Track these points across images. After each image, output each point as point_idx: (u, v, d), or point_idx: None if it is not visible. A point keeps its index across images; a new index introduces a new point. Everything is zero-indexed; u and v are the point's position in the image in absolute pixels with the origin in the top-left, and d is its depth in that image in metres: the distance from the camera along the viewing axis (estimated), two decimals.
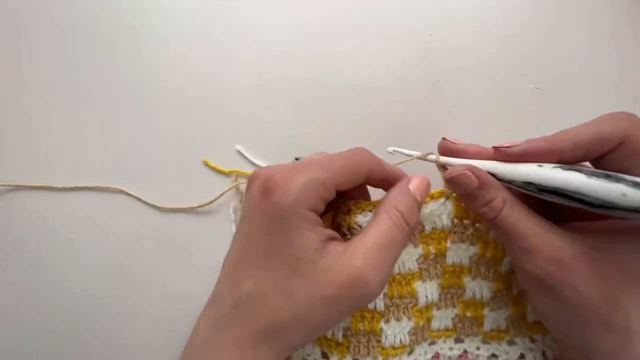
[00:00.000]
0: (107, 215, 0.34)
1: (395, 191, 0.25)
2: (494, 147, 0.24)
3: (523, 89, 0.35)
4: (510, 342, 0.29)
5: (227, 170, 0.34)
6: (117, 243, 0.33)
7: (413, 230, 0.25)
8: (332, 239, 0.23)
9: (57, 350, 0.32)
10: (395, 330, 0.27)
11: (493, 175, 0.23)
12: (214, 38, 0.35)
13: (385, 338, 0.27)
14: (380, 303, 0.27)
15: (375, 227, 0.23)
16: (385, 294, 0.27)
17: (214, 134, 0.34)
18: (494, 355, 0.29)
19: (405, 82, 0.35)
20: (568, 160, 0.22)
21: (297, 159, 0.30)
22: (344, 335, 0.27)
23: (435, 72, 0.35)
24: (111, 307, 0.33)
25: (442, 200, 0.27)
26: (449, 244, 0.27)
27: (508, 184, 0.23)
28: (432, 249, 0.27)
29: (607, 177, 0.20)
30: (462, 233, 0.27)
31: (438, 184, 0.27)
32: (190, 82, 0.35)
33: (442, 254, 0.28)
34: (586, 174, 0.21)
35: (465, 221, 0.27)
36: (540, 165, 0.22)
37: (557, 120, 0.35)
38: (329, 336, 0.27)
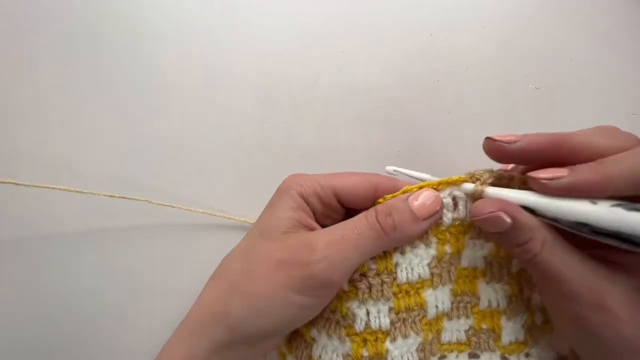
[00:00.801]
0: (107, 215, 0.33)
1: (392, 199, 0.24)
2: (529, 177, 0.20)
3: (523, 89, 0.35)
4: (527, 354, 0.26)
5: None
6: (117, 243, 0.33)
7: (395, 238, 0.23)
8: (313, 228, 0.24)
9: (56, 349, 0.32)
10: (403, 350, 0.24)
11: (533, 211, 0.20)
12: (214, 38, 0.35)
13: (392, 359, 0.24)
14: (385, 320, 0.24)
15: (350, 219, 0.23)
16: (391, 309, 0.24)
17: (213, 134, 0.34)
18: None
19: (405, 82, 0.35)
20: (619, 198, 0.19)
21: None
22: None
23: (435, 72, 0.35)
24: (111, 307, 0.33)
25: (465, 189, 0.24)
26: (467, 240, 0.24)
27: (552, 221, 0.20)
28: (447, 249, 0.24)
29: None
30: (479, 228, 0.24)
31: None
32: (190, 82, 0.35)
33: (457, 254, 0.25)
34: None
35: None
36: (594, 203, 0.19)
37: (557, 120, 0.35)
38: None
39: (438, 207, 0.23)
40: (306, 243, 0.22)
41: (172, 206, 0.33)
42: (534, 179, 0.20)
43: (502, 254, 0.25)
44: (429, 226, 0.23)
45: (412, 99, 0.35)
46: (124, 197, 0.33)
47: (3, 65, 0.35)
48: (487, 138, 0.22)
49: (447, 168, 0.33)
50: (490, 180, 0.23)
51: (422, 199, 0.23)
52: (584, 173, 0.19)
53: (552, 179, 0.19)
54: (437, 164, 0.34)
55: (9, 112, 0.34)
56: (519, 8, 0.36)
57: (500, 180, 0.23)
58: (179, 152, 0.34)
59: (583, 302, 0.20)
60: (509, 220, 0.20)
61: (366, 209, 0.24)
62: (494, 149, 0.21)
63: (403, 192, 0.24)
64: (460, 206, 0.24)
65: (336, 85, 0.35)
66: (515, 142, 0.21)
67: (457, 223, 0.24)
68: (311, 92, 0.35)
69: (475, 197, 0.23)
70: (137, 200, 0.33)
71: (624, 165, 0.19)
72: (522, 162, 0.23)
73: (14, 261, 0.33)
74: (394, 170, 0.26)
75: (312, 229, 0.24)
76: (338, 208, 0.26)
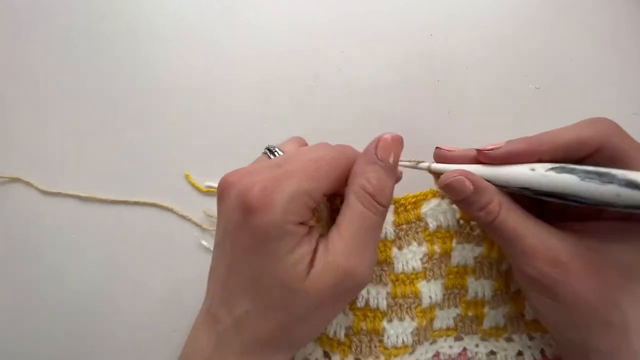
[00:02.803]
0: (107, 215, 0.34)
1: (362, 163, 0.23)
2: (477, 150, 0.24)
3: (523, 89, 0.35)
4: (508, 339, 0.29)
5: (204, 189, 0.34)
6: (117, 243, 0.33)
7: (389, 205, 0.23)
8: (319, 240, 0.22)
9: (56, 349, 0.32)
10: (398, 331, 0.26)
11: (488, 180, 0.23)
12: (214, 38, 0.35)
13: (388, 338, 0.26)
14: (383, 302, 0.26)
15: (347, 215, 0.22)
16: (388, 293, 0.27)
17: (213, 134, 0.34)
18: (492, 353, 0.29)
19: (405, 82, 0.35)
20: (548, 161, 0.22)
21: (269, 150, 0.26)
22: (346, 335, 0.27)
23: (435, 72, 0.35)
24: (111, 307, 0.33)
25: (440, 199, 0.27)
26: (454, 244, 0.27)
27: (504, 188, 0.23)
28: (437, 249, 0.27)
29: (599, 176, 0.20)
30: (469, 234, 0.27)
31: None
32: (190, 82, 0.35)
33: (447, 254, 0.27)
34: (579, 176, 0.21)
35: (472, 223, 0.27)
36: (532, 169, 0.22)
37: (557, 120, 0.35)
38: (330, 335, 0.27)
39: (401, 147, 0.25)
40: (343, 272, 0.21)
41: (169, 206, 0.33)
42: (480, 150, 0.23)
43: (493, 255, 0.28)
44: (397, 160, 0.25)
45: (412, 99, 0.35)
46: (126, 201, 0.33)
47: (3, 65, 0.35)
48: (476, 150, 0.24)
49: None
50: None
51: (390, 150, 0.24)
52: (516, 143, 0.23)
53: (492, 149, 0.23)
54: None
55: (10, 110, 0.34)
56: (519, 8, 0.36)
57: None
58: (178, 151, 0.34)
59: (539, 257, 0.22)
60: (470, 185, 0.23)
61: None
62: (481, 158, 0.24)
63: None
64: (441, 217, 0.27)
65: (336, 85, 0.35)
66: (497, 148, 0.24)
67: (442, 230, 0.27)
68: (311, 92, 0.35)
69: (430, 172, 0.26)
70: (142, 203, 0.33)
71: (548, 137, 0.22)
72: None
73: (14, 260, 0.33)
74: None
75: (318, 238, 0.22)
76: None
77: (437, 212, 0.27)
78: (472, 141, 0.34)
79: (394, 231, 0.27)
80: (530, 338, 0.29)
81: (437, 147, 0.26)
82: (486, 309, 0.28)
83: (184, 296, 0.32)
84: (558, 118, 0.34)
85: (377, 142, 0.24)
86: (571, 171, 0.21)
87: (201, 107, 0.35)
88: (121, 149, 0.34)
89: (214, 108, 0.35)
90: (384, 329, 0.26)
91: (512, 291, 0.28)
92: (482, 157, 0.24)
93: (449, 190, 0.24)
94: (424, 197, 0.27)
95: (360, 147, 0.35)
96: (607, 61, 0.35)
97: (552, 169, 0.22)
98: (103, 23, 0.35)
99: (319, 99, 0.35)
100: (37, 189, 0.34)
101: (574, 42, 0.35)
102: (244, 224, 0.21)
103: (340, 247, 0.21)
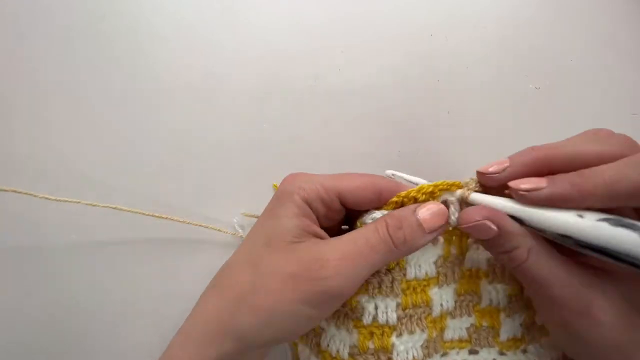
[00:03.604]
0: (107, 215, 0.33)
1: (398, 210, 0.23)
2: (512, 189, 0.21)
3: (523, 89, 0.35)
4: (524, 351, 0.27)
5: None
6: (117, 242, 0.33)
7: (403, 252, 0.23)
8: (315, 234, 0.24)
9: (56, 349, 0.32)
10: (408, 345, 0.24)
11: (520, 220, 0.21)
12: (214, 38, 0.35)
13: (397, 355, 0.24)
14: (392, 315, 0.24)
15: (359, 229, 0.23)
16: (398, 305, 0.24)
17: (213, 134, 0.34)
18: None
19: (405, 82, 0.35)
20: (598, 209, 0.19)
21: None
22: (350, 355, 0.24)
23: (435, 72, 0.35)
24: (110, 307, 0.33)
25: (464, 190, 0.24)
26: (470, 243, 0.26)
27: (539, 232, 0.20)
28: (453, 250, 0.25)
29: None
30: None
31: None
32: (189, 82, 0.35)
33: (462, 255, 0.26)
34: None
35: None
36: (580, 216, 0.19)
37: (557, 120, 0.35)
38: (333, 354, 0.25)
39: (444, 221, 0.23)
40: (317, 257, 0.22)
41: (169, 218, 0.33)
42: (514, 189, 0.20)
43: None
44: (434, 238, 0.24)
45: (412, 99, 0.35)
46: (124, 209, 0.33)
47: (3, 65, 0.35)
48: (478, 172, 0.23)
49: (447, 168, 0.34)
50: (476, 187, 0.24)
51: (430, 213, 0.23)
52: (561, 186, 0.19)
53: (530, 190, 0.20)
54: (437, 164, 0.34)
55: (9, 112, 0.34)
56: (519, 8, 0.36)
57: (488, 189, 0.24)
58: (178, 152, 0.34)
59: (569, 308, 0.20)
60: (495, 228, 0.21)
61: (367, 210, 0.25)
62: (486, 181, 0.23)
63: (407, 195, 0.24)
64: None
65: (336, 85, 0.35)
66: (502, 170, 0.22)
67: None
68: (311, 92, 0.35)
69: (462, 202, 0.23)
70: (140, 213, 0.33)
71: (599, 179, 0.19)
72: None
73: (15, 265, 0.33)
74: (392, 174, 0.26)
75: (317, 236, 0.24)
76: (340, 209, 0.25)
77: (459, 205, 0.24)
78: (472, 141, 0.34)
79: None
80: (541, 346, 0.27)
81: (478, 172, 0.23)
82: (502, 317, 0.26)
83: (184, 296, 0.32)
84: (558, 118, 0.34)
85: (424, 205, 0.23)
86: (632, 227, 0.18)
87: (201, 107, 0.35)
88: (121, 149, 0.34)
89: (214, 108, 0.35)
90: (393, 345, 0.24)
91: (525, 297, 0.26)
92: (517, 198, 0.21)
93: (470, 231, 0.22)
94: (445, 188, 0.24)
95: (360, 148, 0.35)
96: (607, 61, 0.35)
97: (605, 219, 0.18)
98: (103, 23, 0.35)
99: (319, 99, 0.35)
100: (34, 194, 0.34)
101: (574, 42, 0.35)
102: (273, 195, 0.25)
103: (333, 242, 0.23)
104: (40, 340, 0.32)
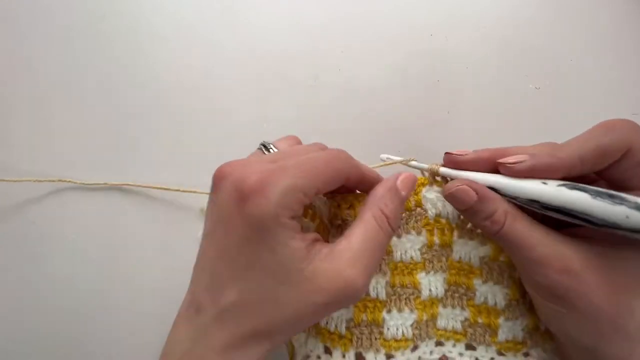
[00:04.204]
0: (107, 214, 0.34)
1: (383, 189, 0.24)
2: (499, 163, 0.23)
3: (523, 89, 0.35)
4: (526, 354, 0.27)
5: None
6: (117, 242, 0.33)
7: (397, 230, 0.25)
8: (315, 241, 0.22)
9: (56, 349, 0.32)
10: (397, 322, 0.26)
11: (495, 190, 0.23)
12: (214, 38, 0.35)
13: (387, 329, 0.26)
14: (382, 291, 0.26)
15: (360, 229, 0.23)
16: (387, 282, 0.27)
17: (213, 134, 0.34)
18: None
19: (405, 82, 0.35)
20: (574, 176, 0.22)
21: (264, 146, 0.27)
22: (347, 328, 0.27)
23: (435, 72, 0.35)
24: (110, 306, 0.33)
25: (440, 190, 0.26)
26: (455, 238, 0.27)
27: (511, 199, 0.23)
28: (436, 240, 0.27)
29: (611, 197, 0.21)
30: (471, 231, 0.27)
31: None
32: (189, 82, 0.35)
33: (447, 246, 0.27)
34: (591, 194, 0.21)
35: None
36: (544, 183, 0.22)
37: (557, 120, 0.35)
38: (331, 330, 0.27)
39: (414, 182, 0.25)
40: (344, 282, 0.21)
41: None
42: (502, 163, 0.23)
43: (503, 259, 0.27)
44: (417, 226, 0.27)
45: (412, 99, 0.35)
46: (126, 185, 0.33)
47: (3, 65, 0.35)
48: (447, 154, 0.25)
49: None
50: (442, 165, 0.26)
51: (408, 185, 0.25)
52: (541, 158, 0.22)
53: (515, 162, 0.23)
54: None
55: (9, 112, 0.34)
56: (519, 8, 0.36)
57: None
58: (178, 152, 0.34)
59: (550, 266, 0.22)
60: (474, 194, 0.23)
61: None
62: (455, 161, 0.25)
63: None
64: (440, 205, 0.27)
65: (336, 85, 0.35)
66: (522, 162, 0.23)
67: (442, 220, 0.27)
68: (311, 92, 0.35)
69: (432, 173, 0.26)
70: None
71: (572, 149, 0.22)
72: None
73: (14, 260, 0.33)
74: (387, 158, 0.28)
75: (314, 240, 0.22)
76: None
77: (436, 199, 0.26)
78: (472, 141, 0.34)
79: None
80: (544, 350, 0.27)
81: (446, 153, 0.25)
82: (501, 320, 0.27)
83: (184, 296, 0.32)
84: (558, 118, 0.34)
85: (399, 176, 0.25)
86: (583, 189, 0.21)
87: (201, 107, 0.35)
88: (120, 148, 0.34)
89: (214, 108, 0.35)
90: (383, 319, 0.26)
91: (529, 301, 0.26)
92: (504, 170, 0.23)
93: (452, 200, 0.24)
94: (422, 182, 0.27)
95: (360, 147, 0.35)
96: (607, 61, 0.35)
97: (564, 184, 0.22)
98: (103, 23, 0.35)
99: (319, 99, 0.35)
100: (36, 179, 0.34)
101: (574, 42, 0.35)
102: (238, 213, 0.21)
103: (348, 255, 0.22)
104: (40, 338, 0.32)
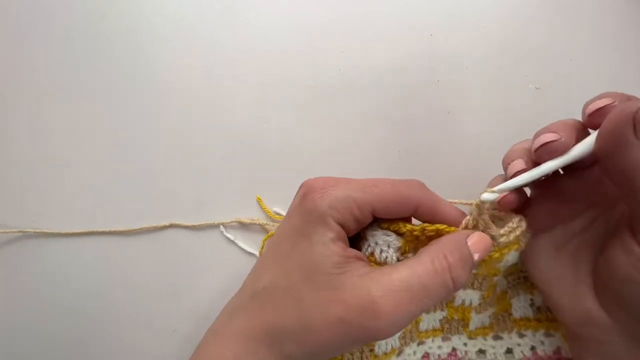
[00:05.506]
0: (108, 216, 0.34)
1: (449, 238, 0.22)
2: (534, 148, 0.22)
3: (523, 89, 0.35)
4: (496, 337, 0.29)
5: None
6: (117, 243, 0.33)
7: (456, 290, 0.21)
8: (358, 259, 0.22)
9: (56, 350, 0.32)
10: (388, 339, 0.27)
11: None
12: (214, 38, 0.35)
13: (379, 347, 0.26)
14: None
15: (411, 264, 0.21)
16: None
17: (213, 134, 0.34)
18: (481, 351, 0.29)
19: (405, 82, 0.35)
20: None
21: None
22: None
23: (435, 72, 0.35)
24: (111, 307, 0.33)
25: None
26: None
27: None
28: None
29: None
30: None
31: None
32: (189, 82, 0.35)
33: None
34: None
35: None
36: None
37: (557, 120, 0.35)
38: None
39: (488, 247, 0.23)
40: (367, 301, 0.19)
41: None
42: (537, 144, 0.22)
43: (483, 273, 0.26)
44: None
45: (412, 98, 0.35)
46: (111, 230, 0.33)
47: (3, 65, 0.35)
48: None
49: (447, 168, 0.34)
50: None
51: (481, 247, 0.22)
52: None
53: (550, 141, 0.21)
54: (437, 163, 0.34)
55: (9, 112, 0.34)
56: (519, 8, 0.36)
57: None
58: (178, 152, 0.34)
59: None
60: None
61: (400, 219, 0.24)
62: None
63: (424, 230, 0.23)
64: None
65: (336, 85, 0.35)
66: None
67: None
68: (311, 92, 0.35)
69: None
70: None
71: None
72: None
73: (14, 259, 0.33)
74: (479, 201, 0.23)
75: (358, 258, 0.22)
76: (370, 219, 0.24)
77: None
78: (472, 141, 0.34)
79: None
80: (521, 336, 0.29)
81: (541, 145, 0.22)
82: (472, 314, 0.28)
83: (184, 296, 0.32)
84: (558, 118, 0.34)
85: (472, 233, 0.22)
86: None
87: (201, 107, 0.35)
88: (120, 148, 0.34)
89: (214, 108, 0.35)
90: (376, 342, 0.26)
91: (498, 293, 0.28)
92: (542, 150, 0.22)
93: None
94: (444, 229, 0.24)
95: (360, 148, 0.35)
96: (607, 61, 0.35)
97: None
98: (103, 23, 0.35)
99: (319, 99, 0.35)
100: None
101: (574, 42, 0.35)
102: (298, 206, 0.23)
103: (385, 281, 0.20)
104: (40, 339, 0.32)
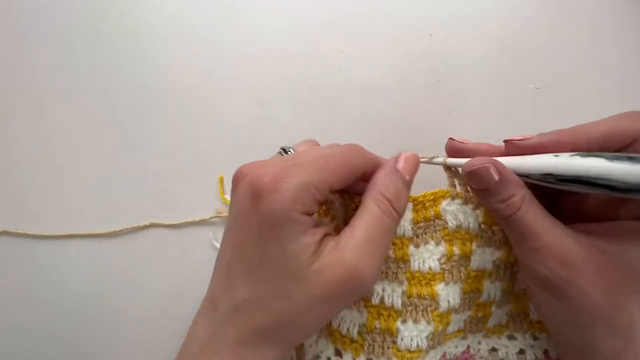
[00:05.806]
0: (108, 216, 0.34)
1: (382, 174, 0.24)
2: (505, 141, 0.23)
3: (523, 89, 0.35)
4: (510, 337, 0.28)
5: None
6: (116, 243, 0.33)
7: (403, 214, 0.24)
8: (326, 235, 0.22)
9: (56, 350, 0.32)
10: (412, 333, 0.25)
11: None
12: (214, 38, 0.35)
13: (402, 340, 0.25)
14: (397, 300, 0.26)
15: (363, 217, 0.22)
16: (403, 292, 0.26)
17: (213, 134, 0.34)
18: (494, 349, 0.28)
19: (405, 82, 0.35)
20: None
21: (284, 149, 0.27)
22: (359, 333, 0.26)
23: (435, 72, 0.35)
24: (110, 307, 0.33)
25: (461, 201, 0.26)
26: (474, 247, 0.26)
27: (525, 177, 0.23)
28: (455, 250, 0.26)
29: (630, 159, 0.19)
30: (490, 239, 0.26)
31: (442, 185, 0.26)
32: (190, 82, 0.35)
33: (466, 257, 0.26)
34: (607, 158, 0.20)
35: (494, 227, 0.26)
36: (556, 155, 0.21)
37: (558, 120, 0.35)
38: (343, 332, 0.26)
39: (417, 164, 0.25)
40: (351, 271, 0.21)
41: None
42: (508, 140, 0.24)
43: (511, 259, 0.27)
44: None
45: (412, 99, 0.35)
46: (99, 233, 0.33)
47: (3, 65, 0.35)
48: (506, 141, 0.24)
49: None
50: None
51: (408, 165, 0.24)
52: (548, 134, 0.23)
53: (522, 139, 0.23)
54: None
55: (9, 112, 0.34)
56: (519, 8, 0.36)
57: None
58: (178, 152, 0.34)
59: (552, 256, 0.21)
60: (496, 175, 0.22)
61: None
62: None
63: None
64: (461, 217, 0.26)
65: (336, 85, 0.35)
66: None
67: (462, 231, 0.26)
68: (311, 92, 0.35)
69: (446, 167, 0.26)
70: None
71: (583, 128, 0.22)
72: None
73: (14, 259, 0.33)
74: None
75: (325, 234, 0.22)
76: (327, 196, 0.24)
77: (457, 211, 0.26)
78: (472, 141, 0.34)
79: (412, 229, 0.26)
80: (535, 338, 0.28)
81: (450, 138, 0.25)
82: (493, 308, 0.28)
83: (184, 296, 0.32)
84: (558, 118, 0.34)
85: (398, 157, 0.24)
86: (598, 155, 0.20)
87: (201, 107, 0.35)
88: (120, 148, 0.34)
89: (214, 108, 0.35)
90: (397, 329, 0.26)
91: (517, 290, 0.28)
92: (511, 147, 0.23)
93: (472, 177, 0.23)
94: (443, 195, 0.26)
95: None
96: (607, 61, 0.35)
97: (578, 154, 0.21)
98: (103, 23, 0.35)
99: (319, 99, 0.35)
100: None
101: (574, 42, 0.35)
102: (252, 210, 0.21)
103: (352, 245, 0.21)
104: (40, 339, 0.32)
